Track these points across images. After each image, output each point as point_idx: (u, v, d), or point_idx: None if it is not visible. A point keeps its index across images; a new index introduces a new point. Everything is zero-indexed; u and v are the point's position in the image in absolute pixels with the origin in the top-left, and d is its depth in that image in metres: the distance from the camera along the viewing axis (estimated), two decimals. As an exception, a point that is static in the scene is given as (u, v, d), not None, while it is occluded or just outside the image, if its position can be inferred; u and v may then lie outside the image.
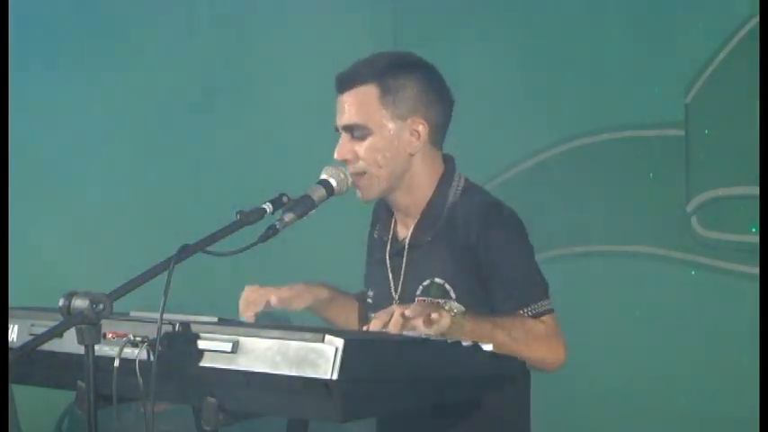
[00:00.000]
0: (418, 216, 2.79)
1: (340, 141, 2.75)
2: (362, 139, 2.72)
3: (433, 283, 2.72)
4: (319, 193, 2.66)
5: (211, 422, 2.23)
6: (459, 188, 2.79)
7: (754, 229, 4.17)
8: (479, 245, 2.67)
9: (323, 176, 2.70)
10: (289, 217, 2.57)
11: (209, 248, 2.39)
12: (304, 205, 2.61)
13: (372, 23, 5.29)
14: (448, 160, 2.83)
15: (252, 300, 2.75)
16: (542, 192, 4.73)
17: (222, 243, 2.41)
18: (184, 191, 5.61)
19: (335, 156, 2.74)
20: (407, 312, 2.41)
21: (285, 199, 2.59)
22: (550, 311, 2.68)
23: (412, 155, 2.75)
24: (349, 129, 2.73)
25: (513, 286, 2.66)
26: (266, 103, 5.56)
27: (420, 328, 2.41)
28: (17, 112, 4.83)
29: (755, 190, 4.07)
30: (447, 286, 2.70)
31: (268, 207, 2.56)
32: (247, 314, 2.73)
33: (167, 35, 5.69)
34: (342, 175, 2.70)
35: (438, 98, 2.77)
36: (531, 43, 4.79)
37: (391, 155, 2.72)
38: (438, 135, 2.78)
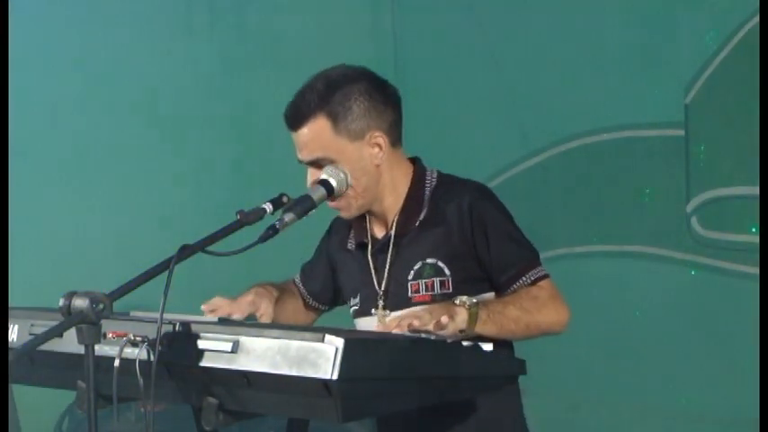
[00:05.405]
0: (398, 212, 2.79)
1: (309, 174, 2.75)
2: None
3: (425, 264, 2.74)
4: (319, 193, 2.66)
5: (211, 422, 2.23)
6: (434, 179, 2.81)
7: (754, 229, 4.17)
8: (472, 222, 2.70)
9: (323, 176, 2.70)
10: (289, 217, 2.57)
11: (209, 248, 2.39)
12: (304, 205, 2.62)
13: (372, 23, 5.29)
14: (415, 160, 2.85)
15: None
16: (542, 192, 4.73)
17: (222, 243, 2.41)
18: (185, 191, 5.61)
19: (308, 186, 2.74)
20: (416, 323, 2.41)
21: (285, 199, 2.60)
22: (546, 276, 2.72)
23: (378, 165, 2.76)
24: (312, 163, 2.74)
25: (511, 256, 2.71)
26: (266, 103, 5.55)
27: (436, 333, 2.42)
28: (17, 112, 4.82)
29: (755, 190, 4.06)
30: (440, 264, 2.72)
31: (268, 207, 2.56)
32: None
33: (166, 34, 5.69)
34: (342, 175, 2.70)
35: (383, 102, 2.76)
36: (532, 42, 4.79)
37: (360, 173, 2.73)
38: (395, 135, 2.78)
